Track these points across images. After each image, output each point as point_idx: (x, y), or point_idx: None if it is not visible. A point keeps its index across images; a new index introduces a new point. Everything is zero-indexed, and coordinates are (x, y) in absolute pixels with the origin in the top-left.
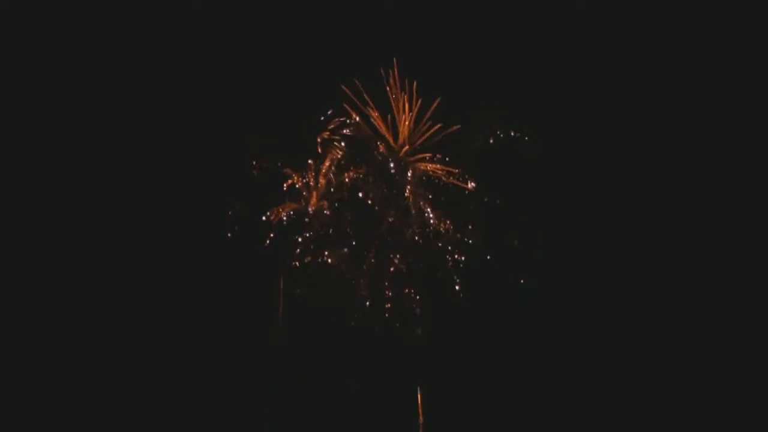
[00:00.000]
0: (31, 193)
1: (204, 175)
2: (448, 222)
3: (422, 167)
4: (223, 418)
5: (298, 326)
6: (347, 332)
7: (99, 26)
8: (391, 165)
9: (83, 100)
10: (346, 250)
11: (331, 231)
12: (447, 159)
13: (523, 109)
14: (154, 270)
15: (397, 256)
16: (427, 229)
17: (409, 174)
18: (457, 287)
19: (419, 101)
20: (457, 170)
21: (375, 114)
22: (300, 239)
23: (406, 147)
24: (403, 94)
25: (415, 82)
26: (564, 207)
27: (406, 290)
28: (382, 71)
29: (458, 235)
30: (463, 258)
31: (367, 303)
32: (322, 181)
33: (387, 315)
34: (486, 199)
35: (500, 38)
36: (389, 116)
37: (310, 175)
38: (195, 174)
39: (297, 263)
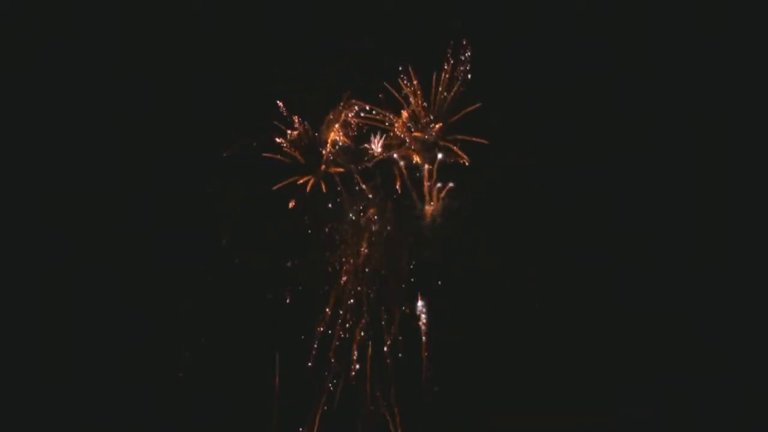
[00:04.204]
0: (31, 193)
1: (204, 176)
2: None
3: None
4: (223, 418)
5: (299, 325)
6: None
7: (99, 26)
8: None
9: (83, 100)
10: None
11: None
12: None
13: (523, 109)
14: (154, 270)
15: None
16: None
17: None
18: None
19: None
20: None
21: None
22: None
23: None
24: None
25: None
26: (563, 207)
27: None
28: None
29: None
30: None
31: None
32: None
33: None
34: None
35: (500, 38)
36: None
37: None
38: (195, 174)
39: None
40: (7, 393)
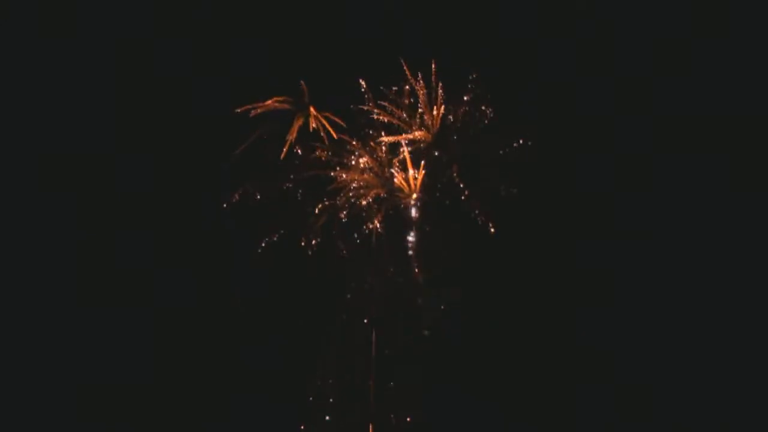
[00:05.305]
0: (32, 192)
1: (205, 176)
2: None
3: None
4: (223, 418)
5: (299, 324)
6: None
7: (99, 26)
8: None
9: (83, 100)
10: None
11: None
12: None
13: (521, 109)
14: (154, 269)
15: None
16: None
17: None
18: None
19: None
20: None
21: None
22: None
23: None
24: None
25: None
26: (564, 206)
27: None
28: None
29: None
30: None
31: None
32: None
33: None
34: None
35: (500, 38)
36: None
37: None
38: (197, 174)
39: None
40: (6, 392)
